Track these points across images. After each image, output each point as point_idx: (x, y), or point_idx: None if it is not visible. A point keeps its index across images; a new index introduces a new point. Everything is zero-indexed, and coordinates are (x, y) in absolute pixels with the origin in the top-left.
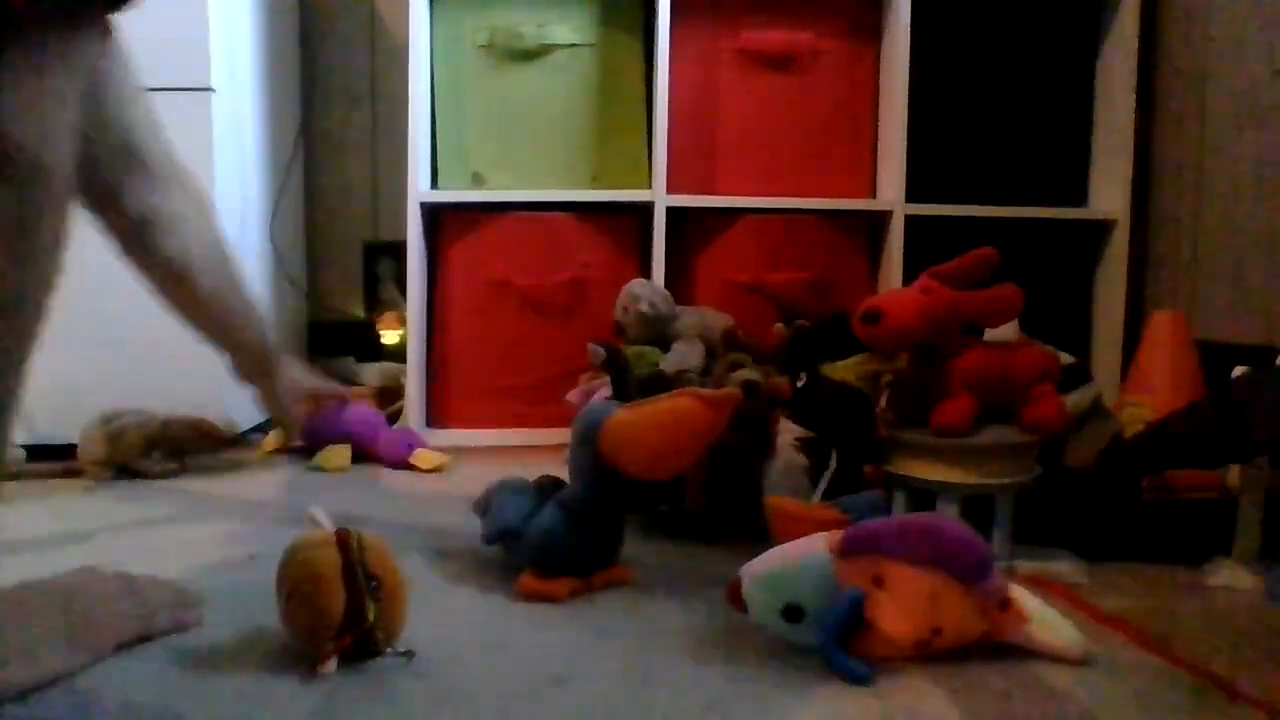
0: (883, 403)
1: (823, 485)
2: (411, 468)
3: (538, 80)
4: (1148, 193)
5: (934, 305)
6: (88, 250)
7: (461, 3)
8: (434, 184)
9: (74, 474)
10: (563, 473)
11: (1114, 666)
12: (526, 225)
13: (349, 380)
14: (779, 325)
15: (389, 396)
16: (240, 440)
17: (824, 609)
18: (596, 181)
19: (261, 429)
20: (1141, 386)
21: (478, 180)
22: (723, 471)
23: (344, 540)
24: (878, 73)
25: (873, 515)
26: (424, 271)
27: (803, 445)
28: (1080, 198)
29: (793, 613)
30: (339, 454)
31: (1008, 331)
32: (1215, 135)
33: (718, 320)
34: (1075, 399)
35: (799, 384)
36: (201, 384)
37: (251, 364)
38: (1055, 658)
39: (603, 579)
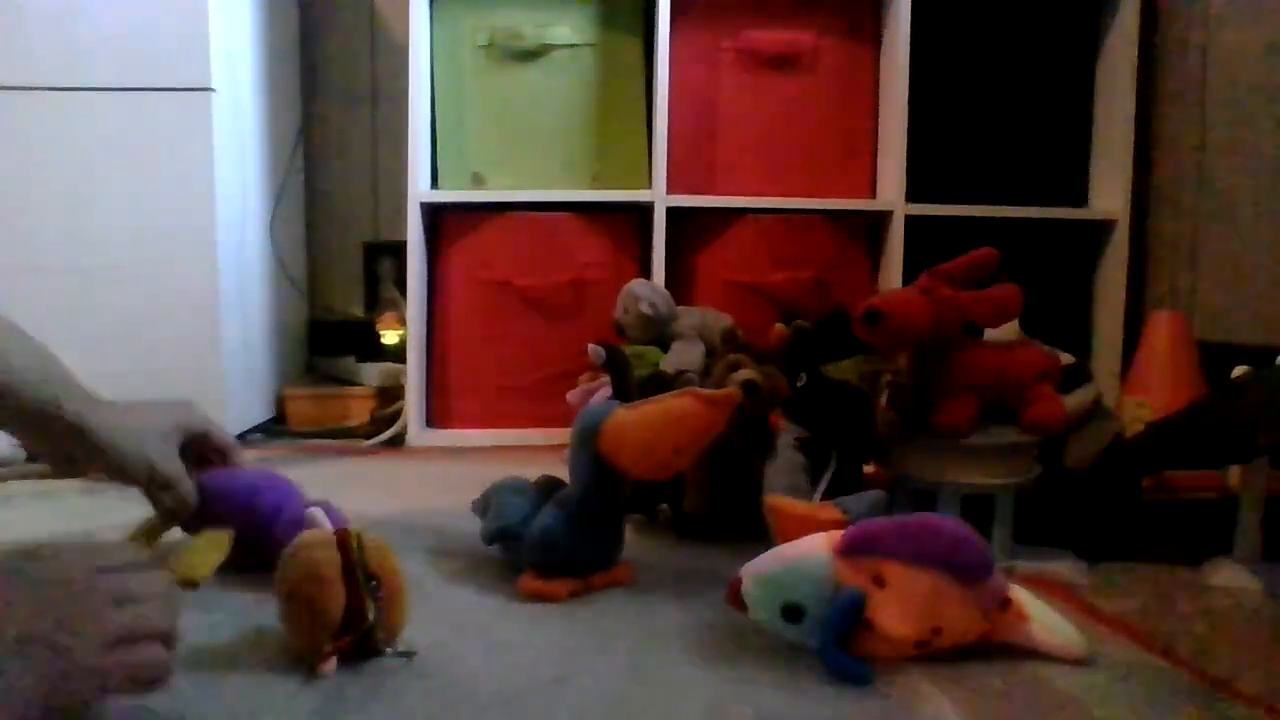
0: (883, 403)
1: (823, 485)
2: None
3: (538, 80)
4: (1148, 193)
5: (934, 305)
6: (87, 250)
7: (461, 3)
8: (434, 184)
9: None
10: (563, 473)
11: (1114, 666)
12: (526, 225)
13: (349, 380)
14: (779, 325)
15: (389, 396)
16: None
17: (824, 609)
18: (596, 181)
19: (264, 430)
20: (1141, 386)
21: (478, 180)
22: (723, 471)
23: (344, 540)
24: (878, 73)
25: (873, 515)
26: (424, 271)
27: (803, 445)
28: (1080, 198)
29: (793, 613)
30: (210, 545)
31: (1008, 331)
32: (1215, 135)
33: (718, 320)
34: (1075, 399)
35: (799, 384)
36: (201, 385)
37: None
38: (1055, 658)
39: (603, 579)
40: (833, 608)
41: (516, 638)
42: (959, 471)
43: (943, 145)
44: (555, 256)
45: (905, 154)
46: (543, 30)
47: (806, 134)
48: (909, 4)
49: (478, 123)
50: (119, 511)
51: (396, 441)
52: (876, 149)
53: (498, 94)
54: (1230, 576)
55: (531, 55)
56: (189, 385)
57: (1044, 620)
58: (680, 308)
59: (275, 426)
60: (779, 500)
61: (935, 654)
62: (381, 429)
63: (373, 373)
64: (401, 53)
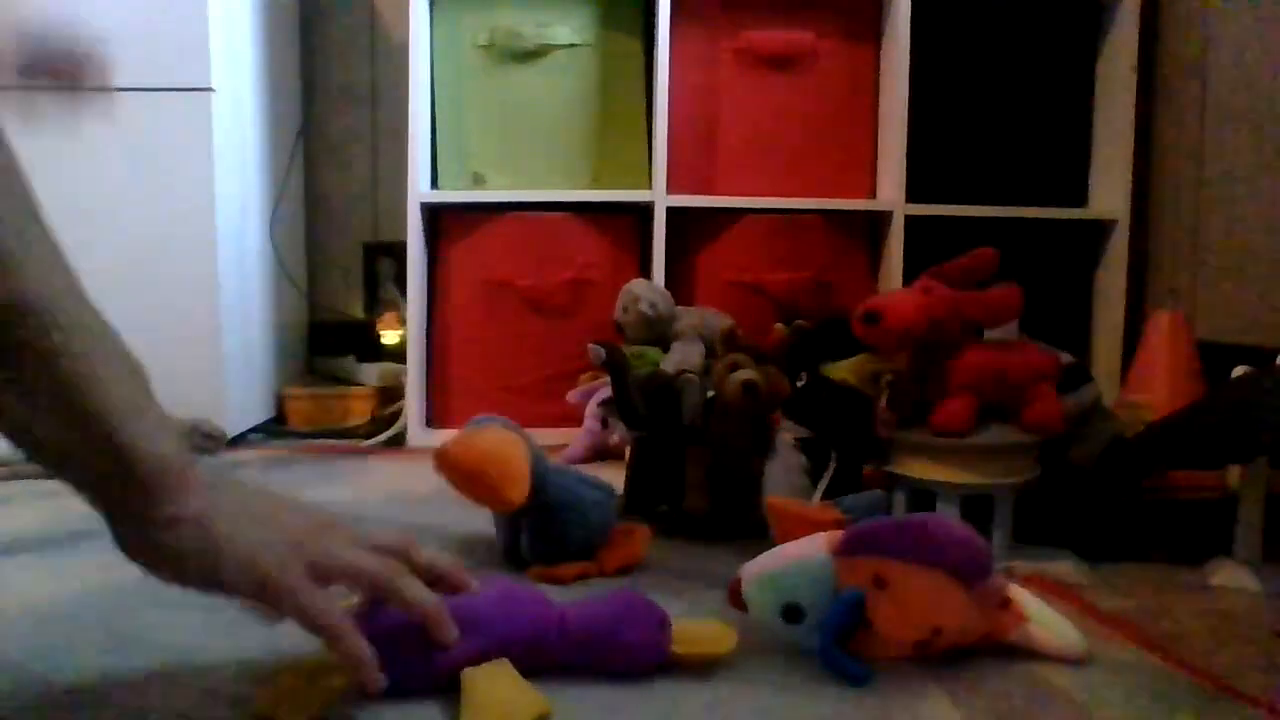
0: (883, 403)
1: (823, 485)
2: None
3: (538, 80)
4: (1148, 193)
5: (934, 305)
6: (86, 251)
7: (461, 3)
8: (434, 184)
9: None
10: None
11: (1114, 666)
12: (526, 225)
13: (349, 380)
14: (779, 325)
15: (389, 396)
16: (240, 441)
17: (824, 609)
18: (596, 181)
19: (264, 430)
20: (1141, 386)
21: (478, 180)
22: (723, 471)
23: None
24: (878, 73)
25: (873, 515)
26: (424, 271)
27: (802, 445)
28: (1080, 198)
29: (793, 613)
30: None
31: (1007, 331)
32: (1215, 135)
33: (718, 320)
34: (1075, 399)
35: (799, 384)
36: (201, 385)
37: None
38: (1055, 658)
39: (614, 559)
40: (833, 608)
41: None
42: (959, 471)
43: (943, 145)
44: (555, 256)
45: (905, 154)
46: (543, 30)
47: (807, 134)
48: (909, 4)
49: (478, 123)
50: None
51: (396, 441)
52: (876, 149)
53: (498, 94)
54: (1230, 576)
55: (531, 55)
56: (189, 385)
57: (1044, 620)
58: (680, 308)
59: (275, 426)
60: (779, 500)
61: (935, 654)
62: (381, 429)
63: (373, 373)
64: (401, 53)
